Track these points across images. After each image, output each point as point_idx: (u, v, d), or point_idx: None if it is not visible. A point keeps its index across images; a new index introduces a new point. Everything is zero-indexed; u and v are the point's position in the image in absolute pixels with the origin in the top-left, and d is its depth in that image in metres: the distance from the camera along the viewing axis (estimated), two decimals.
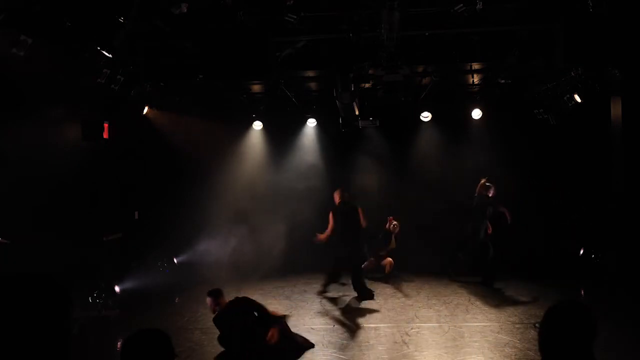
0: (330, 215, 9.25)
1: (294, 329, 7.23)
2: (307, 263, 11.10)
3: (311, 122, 12.35)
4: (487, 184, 9.94)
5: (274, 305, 8.82)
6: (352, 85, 8.17)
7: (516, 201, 11.10)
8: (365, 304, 8.76)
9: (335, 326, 7.54)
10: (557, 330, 2.17)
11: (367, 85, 9.45)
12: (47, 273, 1.69)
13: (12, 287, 1.65)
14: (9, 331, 1.60)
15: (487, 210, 9.93)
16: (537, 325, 2.35)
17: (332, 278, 9.48)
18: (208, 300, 6.23)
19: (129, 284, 9.88)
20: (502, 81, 9.77)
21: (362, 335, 7.12)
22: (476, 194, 10.01)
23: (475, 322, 7.57)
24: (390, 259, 10.49)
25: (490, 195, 9.93)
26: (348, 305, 8.70)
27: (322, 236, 9.23)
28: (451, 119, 12.06)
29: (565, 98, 9.67)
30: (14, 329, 1.60)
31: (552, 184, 11.68)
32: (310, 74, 9.83)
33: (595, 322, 2.15)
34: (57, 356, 1.65)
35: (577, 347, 2.13)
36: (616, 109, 9.66)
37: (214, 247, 11.59)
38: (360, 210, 9.25)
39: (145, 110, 10.83)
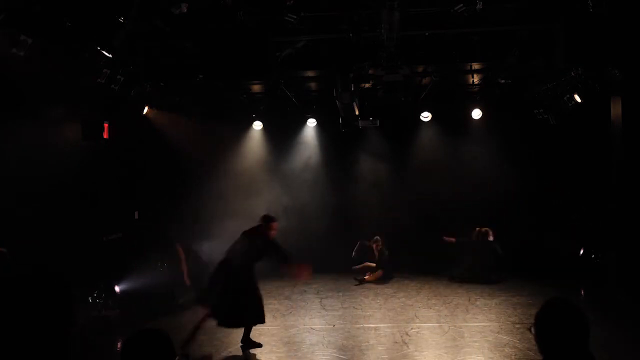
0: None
1: (293, 329, 7.23)
2: (306, 263, 11.07)
3: (311, 122, 12.34)
4: (484, 230, 10.23)
5: (274, 305, 8.83)
6: (352, 85, 8.16)
7: (516, 201, 11.09)
8: (365, 304, 8.76)
9: (335, 326, 7.54)
10: (550, 329, 2.20)
11: (367, 85, 9.43)
12: (51, 271, 1.69)
13: (13, 288, 1.65)
14: (10, 330, 1.60)
15: (491, 249, 10.13)
16: (530, 329, 2.36)
17: None
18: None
19: (129, 284, 9.86)
20: (502, 81, 9.75)
21: (362, 335, 7.12)
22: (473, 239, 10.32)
23: (475, 322, 7.57)
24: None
25: (491, 239, 10.21)
26: (348, 305, 8.70)
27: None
28: (451, 119, 12.05)
29: (565, 98, 9.65)
30: (15, 328, 1.60)
31: (552, 183, 11.66)
32: (310, 74, 9.82)
33: (585, 316, 2.18)
34: (57, 355, 1.65)
35: (573, 343, 2.16)
36: (616, 109, 9.63)
37: (214, 247, 11.55)
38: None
39: (145, 110, 10.81)
